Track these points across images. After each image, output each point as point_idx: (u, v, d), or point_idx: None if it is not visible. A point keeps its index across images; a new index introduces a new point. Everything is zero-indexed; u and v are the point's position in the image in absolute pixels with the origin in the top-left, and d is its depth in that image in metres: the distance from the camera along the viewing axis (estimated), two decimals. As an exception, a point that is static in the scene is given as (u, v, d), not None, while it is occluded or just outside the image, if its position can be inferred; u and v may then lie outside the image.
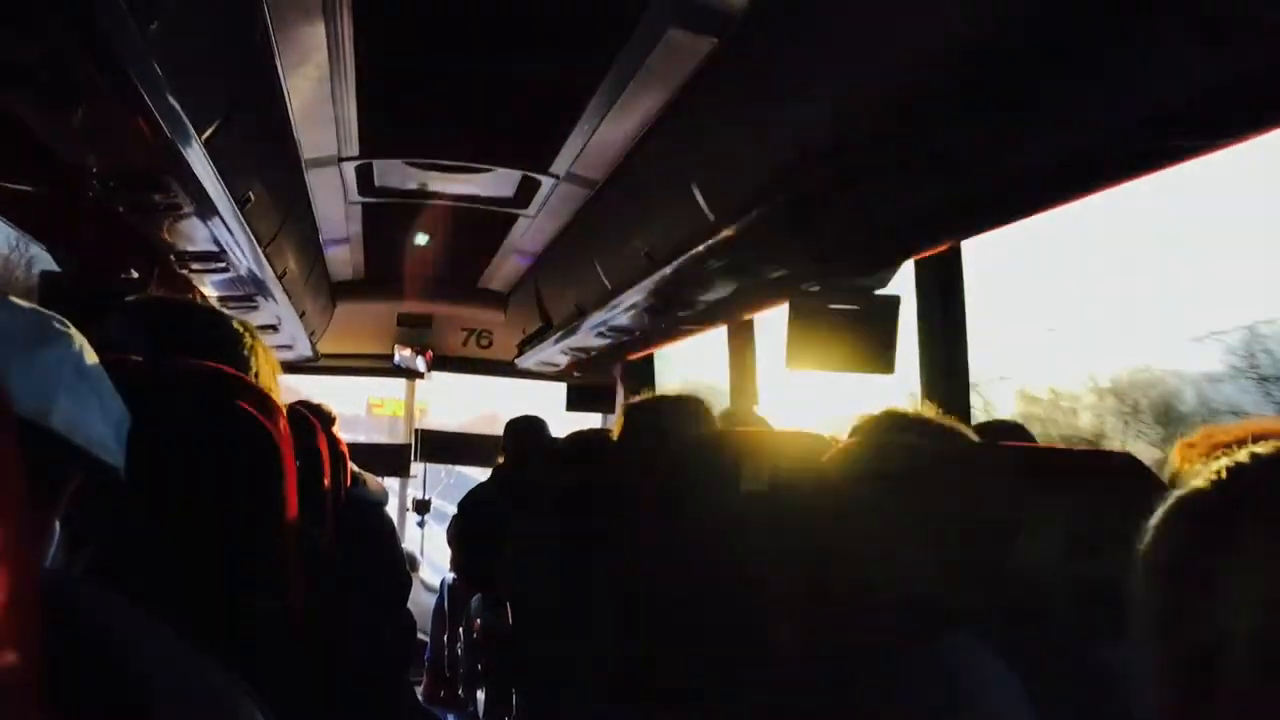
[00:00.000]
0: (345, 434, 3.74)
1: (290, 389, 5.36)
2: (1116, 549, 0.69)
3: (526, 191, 3.22)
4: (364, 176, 3.15)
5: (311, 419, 1.50)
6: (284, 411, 0.96)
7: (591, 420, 5.00)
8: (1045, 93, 1.32)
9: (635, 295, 2.83)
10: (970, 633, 0.99)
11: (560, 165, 2.93)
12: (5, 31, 1.20)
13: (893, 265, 2.38)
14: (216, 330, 1.10)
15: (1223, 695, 0.58)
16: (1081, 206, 1.69)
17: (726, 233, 2.04)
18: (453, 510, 4.22)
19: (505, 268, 4.46)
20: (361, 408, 9.24)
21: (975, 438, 1.51)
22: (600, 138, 2.62)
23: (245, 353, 1.09)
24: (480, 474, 5.02)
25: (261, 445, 0.89)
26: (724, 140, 1.99)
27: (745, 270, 2.36)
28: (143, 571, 0.67)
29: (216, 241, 2.27)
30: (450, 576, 4.72)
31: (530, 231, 3.72)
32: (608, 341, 3.77)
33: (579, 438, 2.86)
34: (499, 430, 4.25)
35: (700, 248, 2.18)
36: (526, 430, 4.06)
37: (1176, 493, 0.68)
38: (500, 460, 4.20)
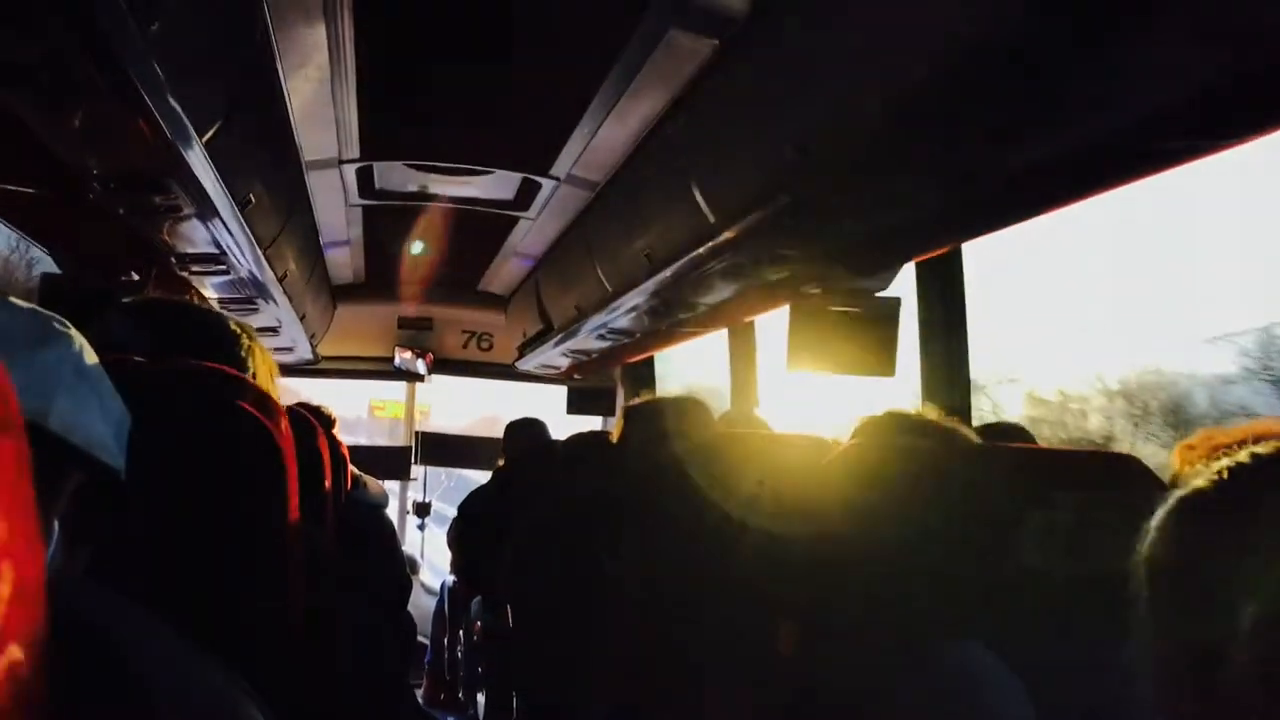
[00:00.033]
0: (346, 436, 3.74)
1: (292, 391, 5.37)
2: (1118, 550, 0.69)
3: (527, 194, 3.22)
4: (364, 179, 3.15)
5: (312, 420, 1.50)
6: (285, 412, 0.95)
7: (592, 423, 5.00)
8: (1045, 95, 1.32)
9: (636, 297, 2.83)
10: (972, 634, 0.99)
11: (561, 167, 2.93)
12: (5, 32, 1.20)
13: (893, 267, 2.38)
14: (213, 331, 1.10)
15: (1225, 695, 0.58)
16: (1088, 206, 1.69)
17: (727, 235, 2.04)
18: (453, 513, 4.22)
19: (506, 270, 4.46)
20: (363, 409, 9.25)
21: (977, 439, 1.51)
22: (601, 140, 2.62)
23: (242, 353, 1.09)
24: (481, 477, 5.02)
25: (263, 446, 0.89)
26: (725, 142, 1.99)
27: (746, 272, 2.35)
28: (143, 571, 0.67)
29: (217, 243, 2.27)
30: (450, 579, 4.72)
31: (531, 234, 3.72)
32: (608, 344, 3.77)
33: (579, 440, 2.86)
34: (502, 433, 4.25)
35: (701, 250, 2.18)
36: (526, 432, 4.06)
37: (1177, 493, 0.68)
38: (500, 462, 4.21)
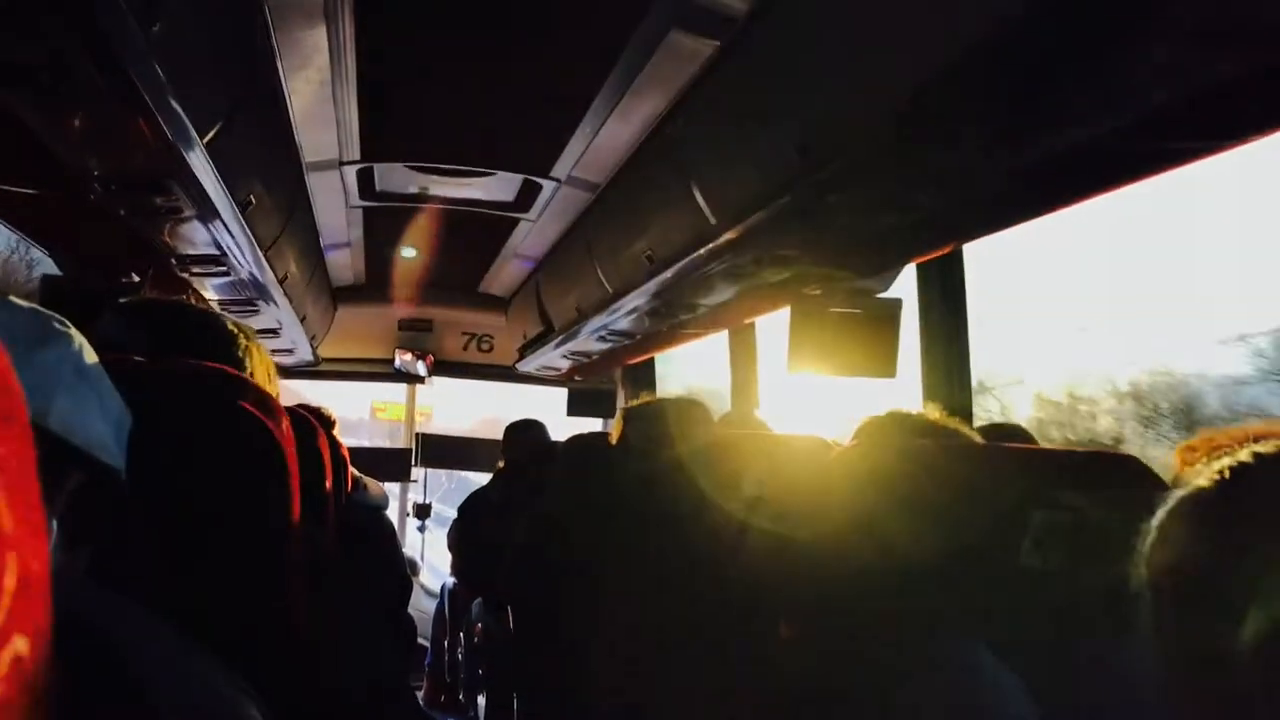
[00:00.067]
0: (348, 438, 3.73)
1: (294, 393, 5.37)
2: (1119, 550, 0.69)
3: (528, 195, 3.22)
4: (365, 180, 3.15)
5: (312, 421, 1.50)
6: (285, 413, 0.95)
7: (593, 423, 5.00)
8: (1046, 95, 1.32)
9: (636, 299, 2.83)
10: (973, 634, 0.99)
11: (561, 169, 2.93)
12: (6, 33, 1.21)
13: (894, 268, 2.38)
14: (211, 331, 1.10)
15: (1229, 694, 0.58)
16: (1097, 206, 1.69)
17: (728, 236, 2.04)
18: (454, 515, 4.22)
19: (506, 272, 4.46)
20: (366, 411, 9.27)
21: (980, 439, 1.51)
22: (602, 141, 2.62)
23: (240, 354, 1.09)
24: (481, 478, 5.02)
25: (264, 446, 0.89)
26: (725, 143, 1.99)
27: (747, 273, 2.35)
28: (143, 571, 0.67)
29: (217, 245, 2.27)
30: (451, 581, 4.72)
31: (531, 235, 3.72)
32: (608, 346, 3.77)
33: (579, 441, 2.85)
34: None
35: (702, 251, 2.18)
36: (526, 434, 4.06)
37: (1178, 492, 0.68)
38: (500, 464, 4.21)
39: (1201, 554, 0.63)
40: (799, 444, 1.87)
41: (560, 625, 2.23)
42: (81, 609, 0.48)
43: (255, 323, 3.38)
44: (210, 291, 2.84)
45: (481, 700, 4.02)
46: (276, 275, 2.81)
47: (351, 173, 3.06)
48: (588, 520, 2.21)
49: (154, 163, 1.68)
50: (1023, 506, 1.05)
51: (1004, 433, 2.32)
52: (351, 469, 2.57)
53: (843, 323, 2.37)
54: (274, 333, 3.72)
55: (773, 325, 3.25)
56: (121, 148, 1.62)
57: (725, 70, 1.98)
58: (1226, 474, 0.64)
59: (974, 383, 3.81)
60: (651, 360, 4.51)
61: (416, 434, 6.01)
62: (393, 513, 5.80)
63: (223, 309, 2.99)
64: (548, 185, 3.09)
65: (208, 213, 1.99)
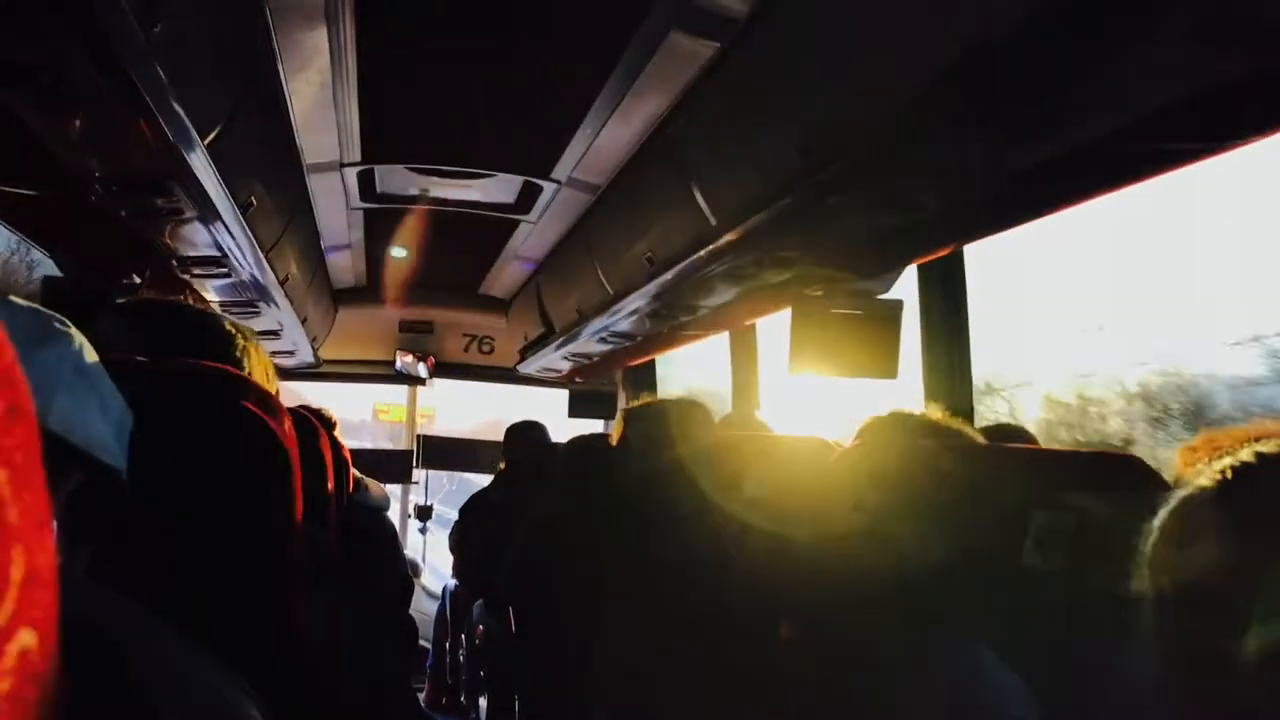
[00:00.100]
0: (350, 440, 3.73)
1: (297, 395, 5.37)
2: (1121, 550, 0.69)
3: (528, 197, 3.22)
4: (366, 182, 3.15)
5: (314, 422, 1.50)
6: (287, 413, 0.95)
7: (594, 424, 5.00)
8: (1047, 96, 1.32)
9: (637, 300, 2.83)
10: (975, 634, 0.99)
11: (562, 170, 2.93)
12: (8, 34, 1.21)
13: (895, 269, 2.38)
14: (208, 331, 1.10)
15: (1231, 694, 0.58)
16: (1106, 207, 1.68)
17: (729, 237, 2.04)
18: (455, 516, 4.22)
19: (507, 273, 4.46)
20: (368, 413, 9.27)
21: (982, 440, 1.51)
22: (602, 142, 2.62)
23: (238, 354, 1.09)
24: (483, 480, 5.02)
25: (267, 446, 0.89)
26: (726, 144, 1.99)
27: (748, 275, 2.35)
28: (143, 571, 0.67)
29: (218, 246, 2.27)
30: (452, 583, 4.72)
31: (532, 237, 3.72)
32: (609, 347, 3.77)
33: (579, 442, 2.85)
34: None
35: (702, 252, 2.18)
36: (526, 435, 4.06)
37: (1180, 492, 0.67)
38: (501, 466, 4.20)
39: (1203, 554, 0.63)
40: (800, 445, 1.87)
41: (561, 627, 2.23)
42: (81, 609, 0.48)
43: (256, 324, 3.38)
44: (211, 293, 2.84)
45: (483, 702, 4.02)
46: (277, 277, 2.81)
47: (352, 174, 3.06)
48: (589, 521, 2.21)
49: (155, 164, 1.68)
50: (1025, 507, 1.05)
51: (1006, 433, 2.31)
52: (353, 470, 2.57)
53: (844, 324, 2.37)
54: (275, 334, 3.72)
55: (773, 326, 3.26)
56: (122, 149, 1.62)
57: (726, 71, 1.98)
58: (1228, 474, 0.63)
59: (982, 384, 3.81)
60: (652, 362, 4.51)
61: (418, 436, 6.01)
62: (394, 514, 5.80)
63: (223, 310, 2.98)
64: (548, 187, 3.09)
65: (209, 214, 1.99)
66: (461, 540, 4.15)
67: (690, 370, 5.34)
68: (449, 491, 10.30)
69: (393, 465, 5.67)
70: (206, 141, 1.66)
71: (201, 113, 1.59)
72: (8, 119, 1.48)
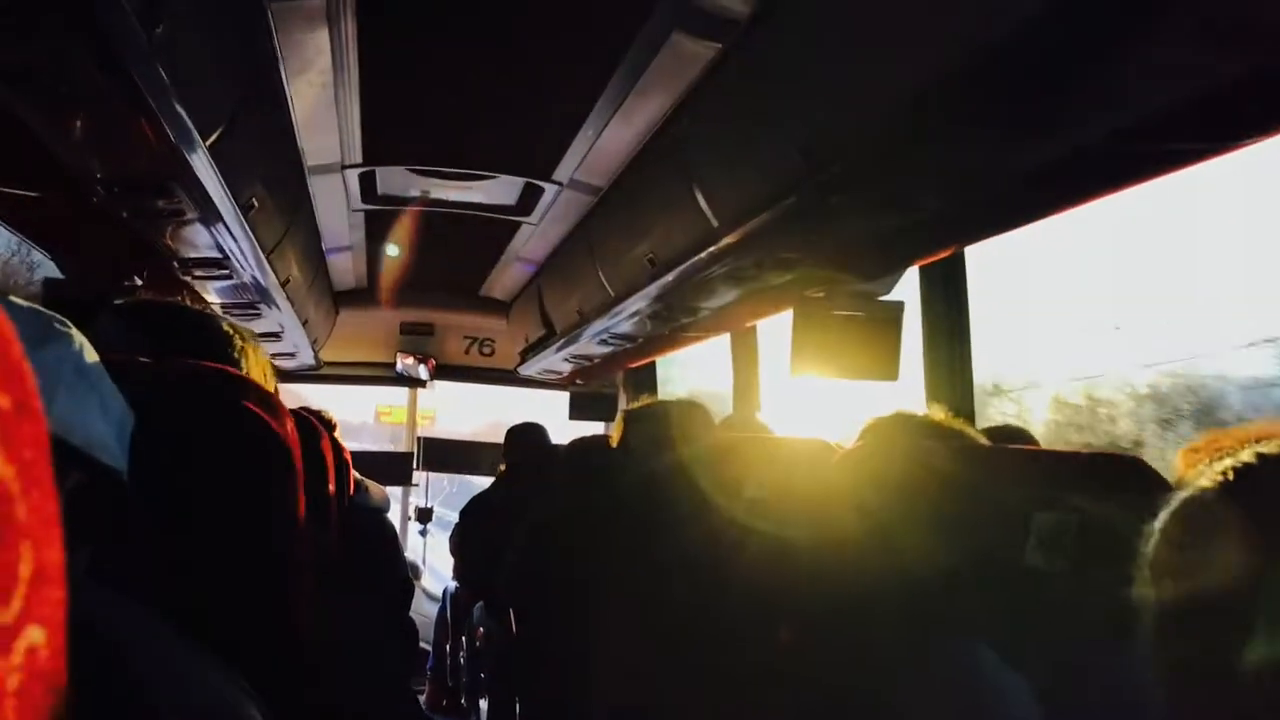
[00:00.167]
0: (352, 442, 3.73)
1: (299, 397, 5.37)
2: (1124, 551, 0.69)
3: (529, 198, 3.22)
4: (367, 183, 3.15)
5: (315, 423, 1.50)
6: (289, 413, 0.95)
7: (595, 426, 5.00)
8: (1049, 97, 1.32)
9: (638, 302, 2.83)
10: (978, 635, 0.99)
11: (563, 172, 2.93)
12: (10, 36, 1.21)
13: (897, 271, 2.38)
14: (206, 332, 1.09)
15: (1231, 696, 0.58)
16: (1116, 207, 1.68)
17: (730, 239, 2.04)
18: (455, 518, 4.22)
19: (508, 275, 4.46)
20: (370, 415, 9.26)
21: (984, 441, 1.51)
22: (604, 144, 2.62)
23: (235, 354, 1.09)
24: (484, 482, 5.02)
25: (269, 446, 0.89)
26: (728, 146, 1.99)
27: (749, 276, 2.35)
28: (143, 572, 0.67)
29: (220, 248, 2.27)
30: (453, 585, 4.72)
31: (533, 239, 3.72)
32: (610, 349, 3.77)
33: (580, 444, 2.86)
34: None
35: (704, 254, 2.18)
36: (526, 437, 4.06)
37: (1181, 494, 0.67)
38: (503, 467, 4.20)
39: (1204, 556, 0.63)
40: (802, 446, 1.87)
41: (561, 629, 2.23)
42: (81, 609, 0.48)
43: (257, 326, 3.38)
44: (212, 295, 2.84)
45: (484, 704, 4.02)
46: (278, 278, 2.82)
47: (353, 176, 3.06)
48: (589, 523, 2.21)
49: (156, 165, 1.68)
50: (1028, 508, 1.05)
51: (1007, 435, 2.31)
52: (353, 472, 2.57)
53: (845, 326, 2.37)
54: (276, 336, 3.72)
55: (775, 328, 3.25)
56: (124, 150, 1.62)
57: (727, 73, 1.98)
58: (1229, 475, 0.63)
59: (990, 385, 3.79)
60: (653, 364, 4.51)
61: (418, 438, 6.01)
62: (394, 516, 5.80)
63: (225, 312, 2.98)
64: (550, 189, 3.09)
65: (210, 216, 1.99)
66: (462, 542, 4.15)
67: (691, 372, 5.33)
68: (449, 494, 10.29)
69: (393, 467, 5.67)
70: (208, 143, 1.67)
71: (203, 114, 1.59)
72: (9, 120, 1.48)
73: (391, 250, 4.09)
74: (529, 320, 4.34)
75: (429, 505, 6.31)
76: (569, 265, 3.57)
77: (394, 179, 3.14)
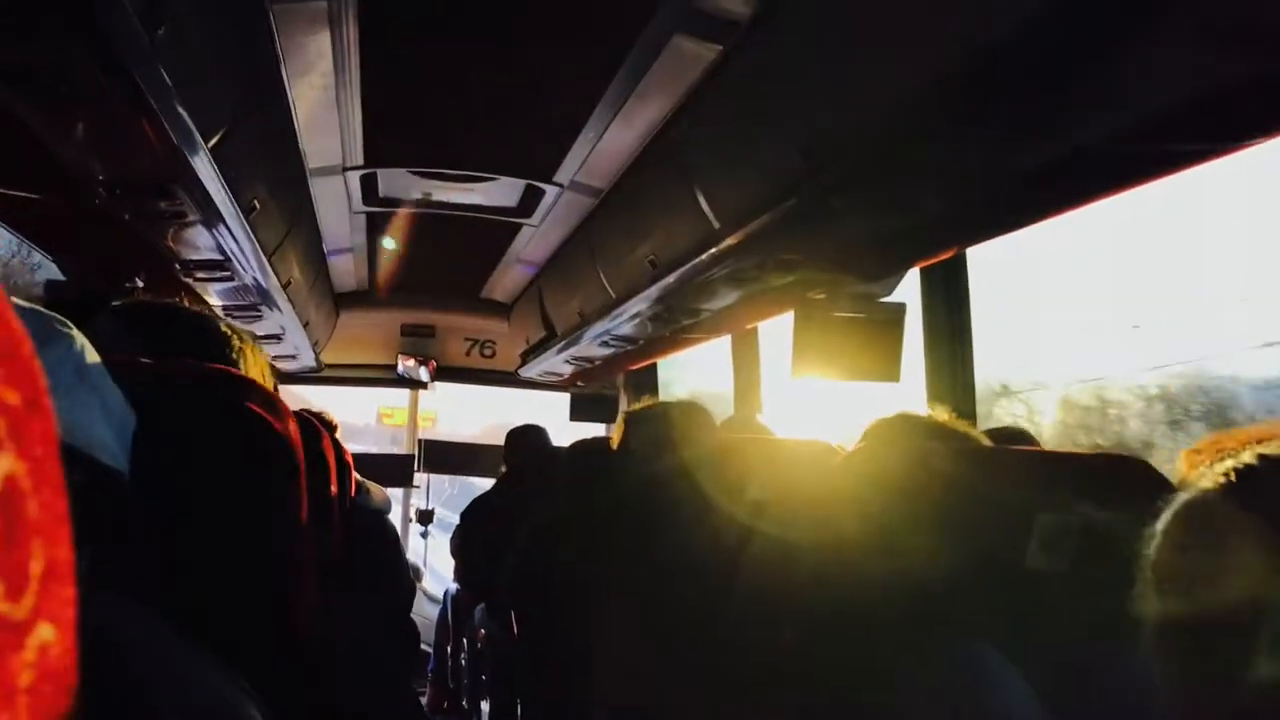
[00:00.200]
0: (354, 444, 3.73)
1: (298, 398, 5.37)
2: (1127, 552, 0.69)
3: (530, 201, 3.23)
4: (368, 185, 3.16)
5: (317, 424, 1.50)
6: (292, 415, 0.95)
7: (596, 428, 5.00)
8: (1049, 99, 1.32)
9: (639, 304, 2.83)
10: (981, 636, 0.99)
11: (564, 174, 2.93)
12: (12, 38, 1.21)
13: (898, 272, 2.38)
14: (203, 334, 1.09)
15: (1233, 698, 0.57)
16: (1122, 203, 1.67)
17: (732, 240, 2.04)
18: (456, 520, 4.22)
19: (508, 277, 4.46)
20: (372, 417, 9.27)
21: (987, 442, 1.51)
22: (605, 146, 2.62)
23: (234, 355, 1.09)
24: (485, 484, 5.02)
25: (272, 447, 0.89)
26: (729, 147, 1.99)
27: (750, 278, 2.35)
28: (144, 572, 0.67)
29: (221, 250, 2.27)
30: (454, 587, 4.71)
31: (534, 241, 3.73)
32: (611, 351, 3.77)
33: (581, 446, 2.86)
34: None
35: (705, 256, 2.18)
36: (527, 439, 4.06)
37: (1182, 496, 0.67)
38: (504, 469, 4.20)
39: (1205, 557, 0.63)
40: (803, 448, 1.87)
41: (563, 630, 2.22)
42: (82, 609, 0.48)
43: (258, 328, 3.38)
44: (213, 296, 2.84)
45: (485, 706, 4.01)
46: (280, 280, 2.82)
47: (355, 178, 3.06)
48: (590, 525, 2.21)
49: (158, 167, 1.68)
50: (1031, 510, 1.05)
51: (1008, 436, 2.31)
52: (354, 474, 2.57)
53: (847, 327, 2.37)
54: (277, 338, 3.72)
55: (776, 330, 3.25)
56: (125, 151, 1.62)
57: (729, 74, 1.98)
58: (1230, 476, 0.63)
59: (998, 386, 3.78)
60: (654, 365, 4.51)
61: (419, 440, 6.01)
62: (395, 518, 5.80)
63: (226, 314, 2.99)
64: (551, 190, 3.09)
65: (212, 217, 1.99)
66: (463, 544, 4.15)
67: (692, 374, 5.33)
68: (450, 495, 10.29)
69: (394, 469, 5.67)
70: (210, 144, 1.67)
71: (205, 115, 1.59)
72: (10, 121, 1.48)
73: (392, 251, 4.10)
74: (530, 322, 4.34)
75: (430, 507, 6.31)
76: (570, 267, 3.57)
77: (395, 181, 3.14)
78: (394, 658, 2.52)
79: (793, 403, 3.58)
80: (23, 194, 1.95)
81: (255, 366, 1.11)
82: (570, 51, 2.18)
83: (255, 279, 2.64)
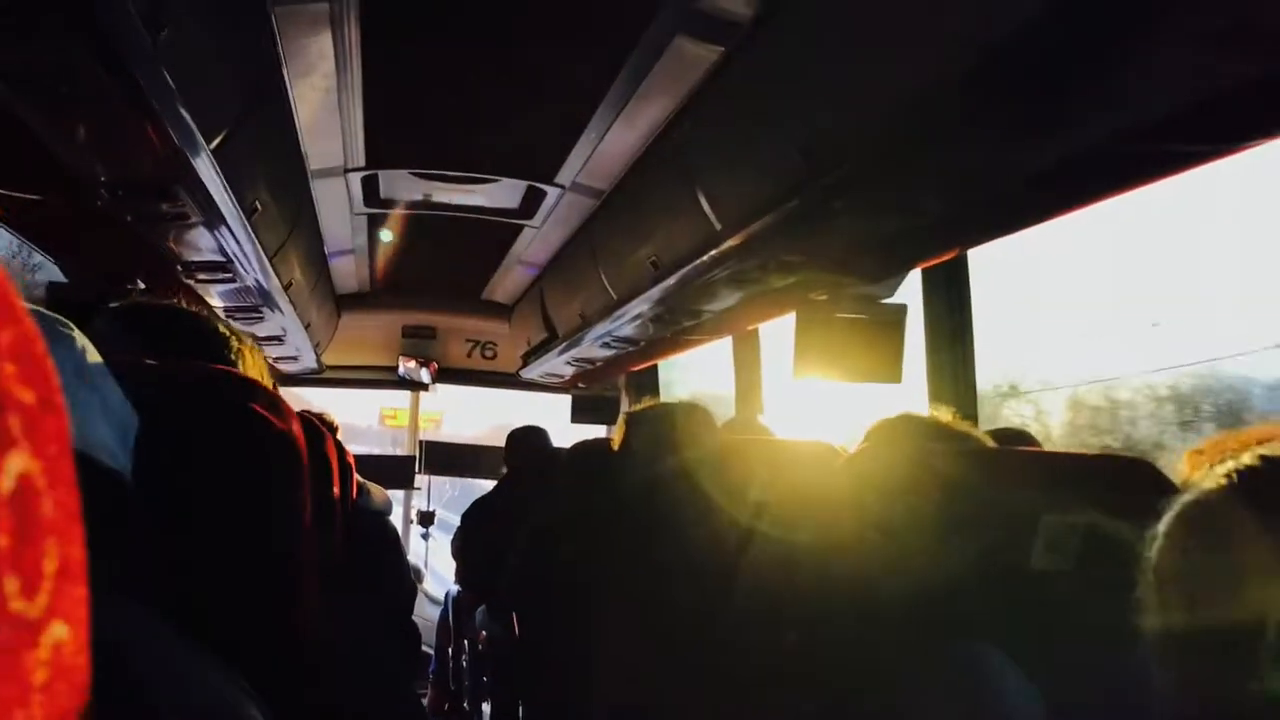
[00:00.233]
0: (356, 445, 3.73)
1: (300, 399, 5.38)
2: (1130, 553, 0.69)
3: (532, 202, 3.23)
4: (370, 187, 3.16)
5: (319, 426, 1.50)
6: (295, 416, 0.95)
7: (597, 429, 5.00)
8: (1050, 100, 1.32)
9: (640, 305, 2.83)
10: (984, 636, 0.99)
11: (566, 175, 2.94)
12: (13, 38, 1.21)
13: (900, 273, 2.38)
14: (202, 334, 1.09)
15: (1234, 700, 0.57)
16: (1129, 203, 1.67)
17: (733, 241, 2.04)
18: (457, 522, 4.22)
19: (510, 279, 4.46)
20: (374, 418, 9.27)
21: (990, 443, 1.51)
22: (606, 147, 2.62)
23: (232, 356, 1.08)
24: (486, 485, 5.02)
25: (276, 448, 0.89)
26: (730, 149, 1.99)
27: (752, 279, 2.35)
28: (144, 572, 0.67)
29: (223, 251, 2.27)
30: (455, 589, 4.71)
31: (535, 242, 3.73)
32: (612, 352, 3.77)
33: (582, 448, 2.86)
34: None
35: (706, 257, 2.18)
36: (528, 441, 4.06)
37: (1183, 497, 0.67)
38: (505, 471, 4.20)
39: (1207, 558, 0.63)
40: (805, 449, 1.87)
41: (564, 632, 2.22)
42: (83, 609, 0.48)
43: (260, 329, 3.38)
44: (215, 298, 2.85)
45: (486, 707, 4.01)
46: (281, 282, 2.82)
47: (356, 180, 3.07)
48: (591, 526, 2.21)
49: (160, 169, 1.68)
50: (1035, 511, 1.05)
51: (1009, 436, 2.31)
52: (355, 475, 2.57)
53: (848, 328, 2.37)
54: (278, 340, 3.73)
55: (777, 331, 3.25)
56: (127, 153, 1.62)
57: (730, 76, 1.98)
58: (1232, 477, 0.63)
59: (1006, 387, 3.76)
60: (655, 366, 4.51)
61: (421, 441, 6.01)
62: (396, 520, 5.80)
63: (227, 316, 2.99)
64: (552, 192, 3.09)
65: (214, 219, 1.99)
66: (464, 546, 4.15)
67: (693, 375, 5.33)
68: (451, 497, 10.29)
69: (395, 471, 5.67)
70: (212, 146, 1.67)
71: (207, 117, 1.59)
72: (11, 122, 1.48)
73: (393, 253, 4.10)
74: (531, 323, 4.34)
75: (431, 509, 6.31)
76: (571, 268, 3.57)
77: (396, 182, 3.14)
78: (395, 659, 2.52)
79: (794, 404, 3.58)
80: (24, 195, 1.95)
81: (254, 367, 1.11)
82: (572, 53, 2.18)
83: (257, 280, 2.64)
